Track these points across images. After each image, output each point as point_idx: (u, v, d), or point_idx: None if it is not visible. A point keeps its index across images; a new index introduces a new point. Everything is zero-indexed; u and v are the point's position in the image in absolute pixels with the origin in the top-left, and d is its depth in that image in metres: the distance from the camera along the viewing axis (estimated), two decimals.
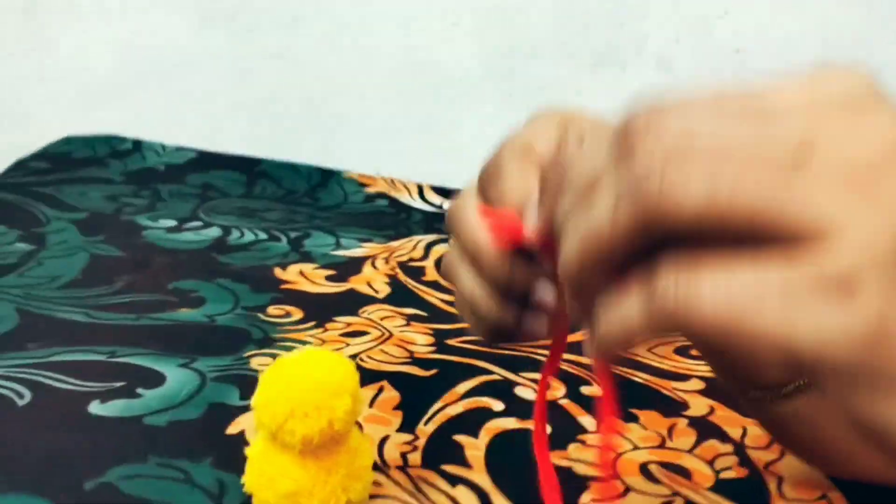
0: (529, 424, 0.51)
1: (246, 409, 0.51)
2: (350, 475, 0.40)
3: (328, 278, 0.72)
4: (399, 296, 0.69)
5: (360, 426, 0.49)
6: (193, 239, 0.79)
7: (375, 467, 0.46)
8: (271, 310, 0.65)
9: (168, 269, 0.71)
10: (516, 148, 0.33)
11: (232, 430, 0.49)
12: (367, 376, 0.56)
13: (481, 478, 0.46)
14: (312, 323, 0.63)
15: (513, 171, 0.32)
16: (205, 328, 0.61)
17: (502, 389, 0.55)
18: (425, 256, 0.80)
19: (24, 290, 0.65)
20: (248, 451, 0.42)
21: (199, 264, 0.73)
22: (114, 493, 0.42)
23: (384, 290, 0.71)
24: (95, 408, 0.50)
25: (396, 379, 0.56)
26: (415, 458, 0.47)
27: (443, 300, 0.70)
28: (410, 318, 0.65)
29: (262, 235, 0.81)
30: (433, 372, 0.57)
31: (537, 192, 0.31)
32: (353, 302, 0.68)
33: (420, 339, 0.62)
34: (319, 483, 0.39)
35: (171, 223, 0.82)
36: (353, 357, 0.58)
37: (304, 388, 0.38)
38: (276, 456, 0.39)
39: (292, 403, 0.38)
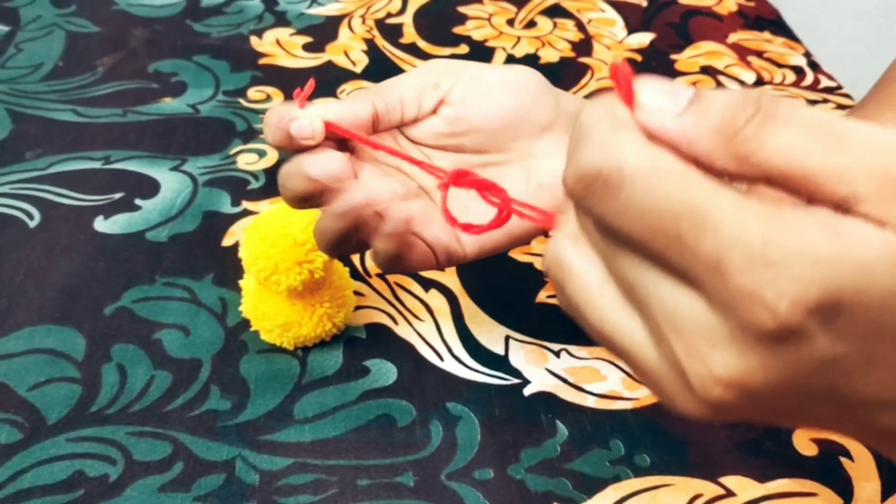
0: None
1: (237, 216, 0.56)
2: (333, 305, 0.46)
3: (305, 47, 0.73)
4: (376, 68, 0.70)
5: None
6: (166, 2, 0.78)
7: (358, 276, 0.51)
8: (251, 93, 0.67)
9: (146, 45, 0.72)
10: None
11: (227, 241, 0.54)
12: None
13: (452, 280, 0.52)
14: None
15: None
16: (190, 121, 0.64)
17: None
18: (403, 10, 0.79)
19: (10, 84, 0.66)
20: (242, 283, 0.47)
21: (175, 36, 0.73)
22: (131, 317, 0.48)
23: (361, 60, 0.71)
24: (100, 224, 0.54)
25: None
26: None
27: None
28: None
29: None
30: None
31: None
32: (332, 78, 0.69)
33: None
34: (307, 315, 0.45)
35: None
36: None
37: (285, 247, 0.42)
38: (267, 295, 0.45)
39: (275, 260, 0.42)
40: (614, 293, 0.25)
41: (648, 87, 0.24)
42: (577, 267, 0.26)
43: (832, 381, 0.24)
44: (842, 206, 0.22)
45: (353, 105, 0.39)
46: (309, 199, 0.39)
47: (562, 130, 0.41)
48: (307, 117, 0.38)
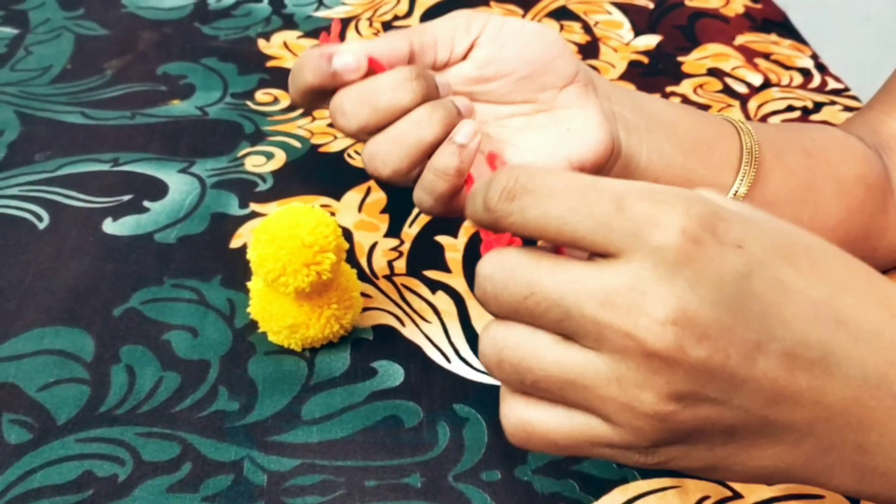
0: None
1: (245, 218, 0.56)
2: (341, 307, 0.46)
3: None
4: None
5: (349, 236, 0.54)
6: (175, 5, 0.78)
7: (366, 278, 0.52)
8: (259, 96, 0.67)
9: (155, 48, 0.72)
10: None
11: (235, 243, 0.54)
12: (356, 175, 0.60)
13: (458, 282, 0.52)
14: (300, 111, 0.66)
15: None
16: (198, 124, 0.64)
17: None
18: (410, 12, 0.80)
19: (19, 87, 0.67)
20: (250, 285, 0.48)
21: (183, 39, 0.74)
22: (140, 318, 0.49)
23: None
24: (109, 226, 0.55)
25: None
26: (400, 265, 0.53)
27: None
28: None
29: None
30: None
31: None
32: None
33: None
34: (315, 317, 0.45)
35: None
36: (342, 152, 0.62)
37: (293, 249, 0.42)
38: (274, 297, 0.45)
39: (283, 262, 0.42)
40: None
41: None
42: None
43: (763, 311, 0.27)
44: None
45: (391, 41, 0.39)
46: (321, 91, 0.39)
47: (582, 84, 0.42)
48: (350, 52, 0.38)
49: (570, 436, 0.28)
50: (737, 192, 0.44)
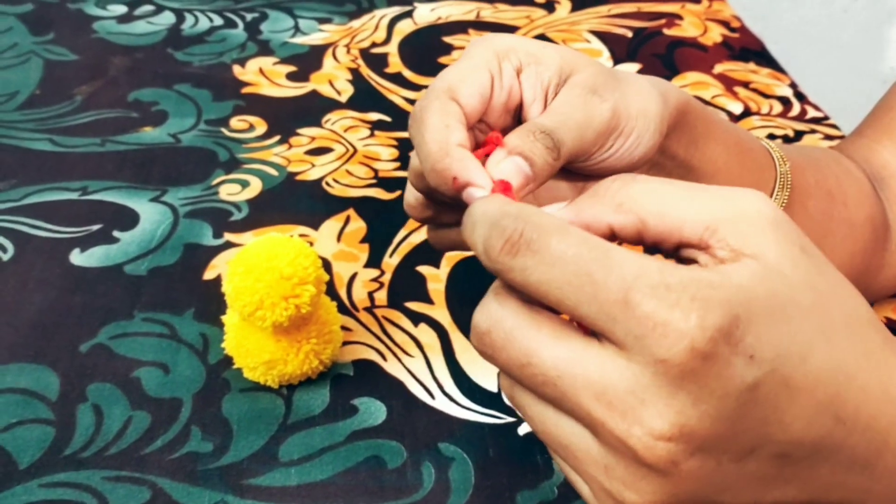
0: None
1: (219, 248, 0.54)
2: (321, 341, 0.44)
3: (289, 76, 0.72)
4: (362, 97, 0.69)
5: (328, 266, 0.52)
6: (147, 31, 0.77)
7: (346, 311, 0.50)
8: (234, 122, 0.65)
9: (126, 74, 0.70)
10: (439, 92, 0.33)
11: (209, 275, 0.52)
12: (334, 204, 0.58)
13: (442, 314, 0.50)
14: (276, 138, 0.64)
15: (434, 118, 0.32)
16: (170, 151, 0.62)
17: None
18: (388, 39, 0.78)
19: None
20: (224, 319, 0.46)
21: (156, 64, 0.72)
22: (108, 354, 0.46)
23: (347, 90, 0.70)
24: (77, 258, 0.52)
25: (362, 205, 0.58)
26: (381, 296, 0.51)
27: (406, 98, 0.70)
28: (374, 127, 0.66)
29: (218, 21, 0.79)
30: (397, 194, 0.59)
31: (459, 142, 0.32)
32: (316, 108, 0.68)
33: (384, 154, 0.63)
34: (293, 352, 0.43)
35: (122, 10, 0.79)
36: (320, 181, 0.60)
37: (271, 281, 0.40)
38: (251, 331, 0.43)
39: (260, 295, 0.41)
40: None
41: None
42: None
43: (764, 417, 0.25)
44: (704, 241, 0.27)
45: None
46: None
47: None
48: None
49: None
50: None
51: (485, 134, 0.36)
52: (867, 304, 0.29)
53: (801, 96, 0.75)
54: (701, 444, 0.25)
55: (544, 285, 0.25)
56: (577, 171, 0.37)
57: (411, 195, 0.38)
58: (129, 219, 0.56)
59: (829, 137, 0.69)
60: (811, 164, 0.46)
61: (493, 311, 0.27)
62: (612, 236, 0.28)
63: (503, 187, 0.31)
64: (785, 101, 0.74)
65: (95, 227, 0.55)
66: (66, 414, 0.43)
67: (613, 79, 0.36)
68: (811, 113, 0.72)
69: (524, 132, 0.33)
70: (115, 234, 0.54)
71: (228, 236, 0.55)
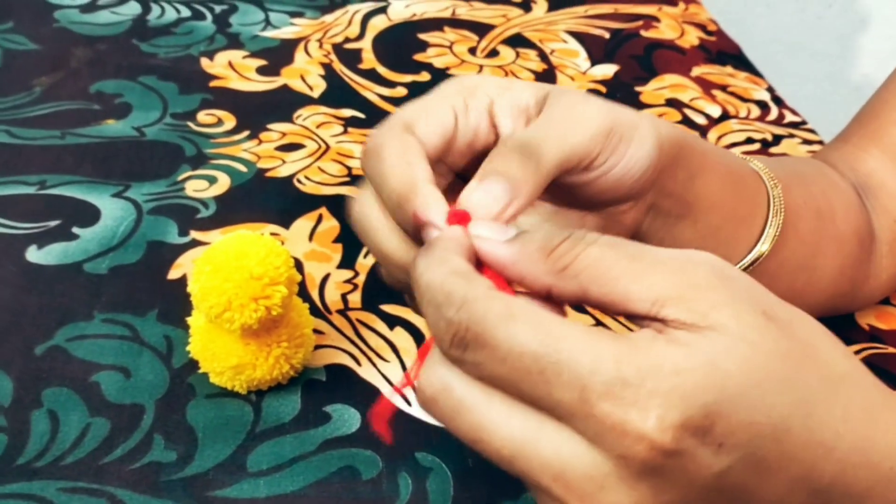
0: None
1: (185, 246, 0.52)
2: (291, 345, 0.42)
3: (259, 70, 0.69)
4: (334, 93, 0.67)
5: (300, 267, 0.50)
6: (111, 21, 0.74)
7: (318, 313, 0.48)
8: (201, 116, 0.63)
9: (88, 65, 0.68)
10: (394, 125, 0.31)
11: (173, 274, 0.50)
12: (306, 202, 0.56)
13: (418, 317, 0.49)
14: (246, 133, 0.62)
15: (392, 153, 0.30)
16: (134, 145, 0.59)
17: None
18: (362, 35, 0.76)
19: None
20: (190, 320, 0.43)
21: (120, 56, 0.69)
22: (65, 357, 0.44)
23: (319, 85, 0.68)
24: (33, 255, 0.50)
25: (334, 204, 0.56)
26: (355, 298, 0.49)
27: (380, 95, 0.68)
28: (347, 123, 0.64)
29: (186, 12, 0.76)
30: None
31: (422, 176, 0.30)
32: (287, 103, 0.66)
33: (358, 151, 0.61)
34: (262, 356, 0.41)
35: None
36: (291, 178, 0.58)
37: (240, 281, 0.38)
38: (218, 334, 0.41)
39: (228, 295, 0.38)
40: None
41: (481, 224, 0.28)
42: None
43: (732, 499, 0.24)
44: (651, 315, 0.25)
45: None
46: None
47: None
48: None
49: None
50: (745, 268, 0.42)
51: (446, 178, 0.34)
52: (844, 349, 0.27)
53: (778, 100, 0.74)
54: None
55: (497, 380, 0.25)
56: (580, 194, 0.35)
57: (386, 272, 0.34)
58: (89, 215, 0.53)
59: (807, 142, 0.69)
60: (798, 181, 0.45)
61: (442, 376, 0.26)
62: (549, 297, 0.27)
63: (459, 217, 0.29)
64: (763, 105, 0.73)
65: (53, 223, 0.52)
66: (19, 420, 0.40)
67: (596, 97, 0.34)
68: (789, 117, 0.72)
69: (495, 151, 0.31)
70: (75, 230, 0.52)
71: (195, 234, 0.52)
